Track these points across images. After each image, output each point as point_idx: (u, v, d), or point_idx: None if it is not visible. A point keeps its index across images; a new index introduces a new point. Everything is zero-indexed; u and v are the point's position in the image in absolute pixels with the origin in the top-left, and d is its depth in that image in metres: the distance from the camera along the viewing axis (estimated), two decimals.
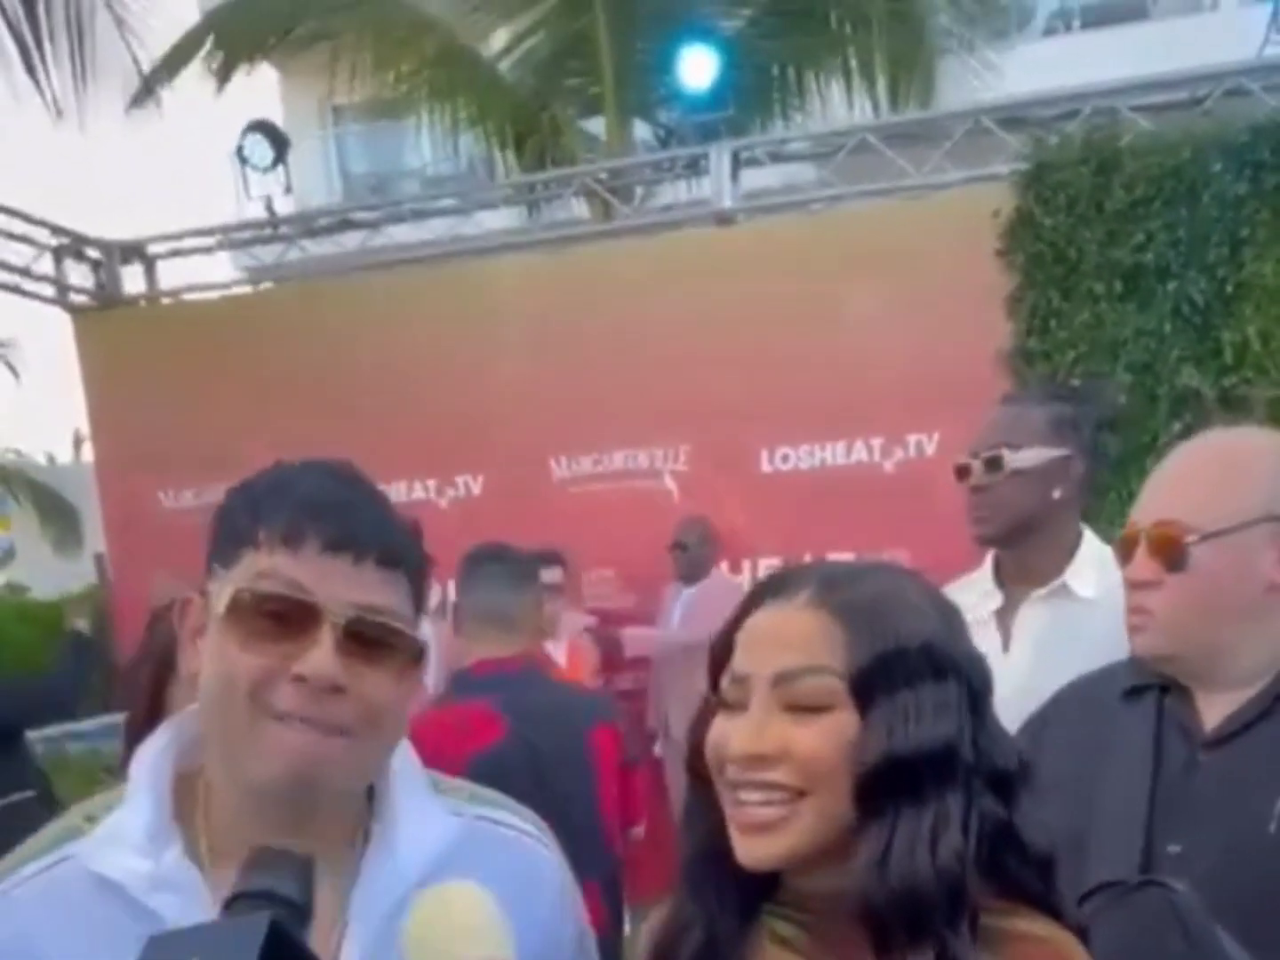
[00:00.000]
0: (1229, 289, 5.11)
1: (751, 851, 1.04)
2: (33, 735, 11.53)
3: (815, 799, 1.03)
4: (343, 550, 1.04)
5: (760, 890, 1.10)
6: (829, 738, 1.02)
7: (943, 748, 1.02)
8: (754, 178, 6.23)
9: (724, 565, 5.77)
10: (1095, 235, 5.22)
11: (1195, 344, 5.14)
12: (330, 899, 1.07)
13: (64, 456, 24.48)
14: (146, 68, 6.48)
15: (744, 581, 5.75)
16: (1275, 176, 5.01)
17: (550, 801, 2.45)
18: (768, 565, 5.76)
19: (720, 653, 1.11)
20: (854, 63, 7.83)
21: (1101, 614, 1.97)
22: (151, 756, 1.11)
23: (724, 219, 6.02)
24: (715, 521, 5.64)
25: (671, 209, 6.61)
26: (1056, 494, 2.33)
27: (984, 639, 2.25)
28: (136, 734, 1.63)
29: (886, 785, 1.01)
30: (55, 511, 16.01)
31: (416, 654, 1.09)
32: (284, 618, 1.02)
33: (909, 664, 1.03)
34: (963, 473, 2.41)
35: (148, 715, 1.88)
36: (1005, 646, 2.31)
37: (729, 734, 1.06)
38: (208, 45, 7.67)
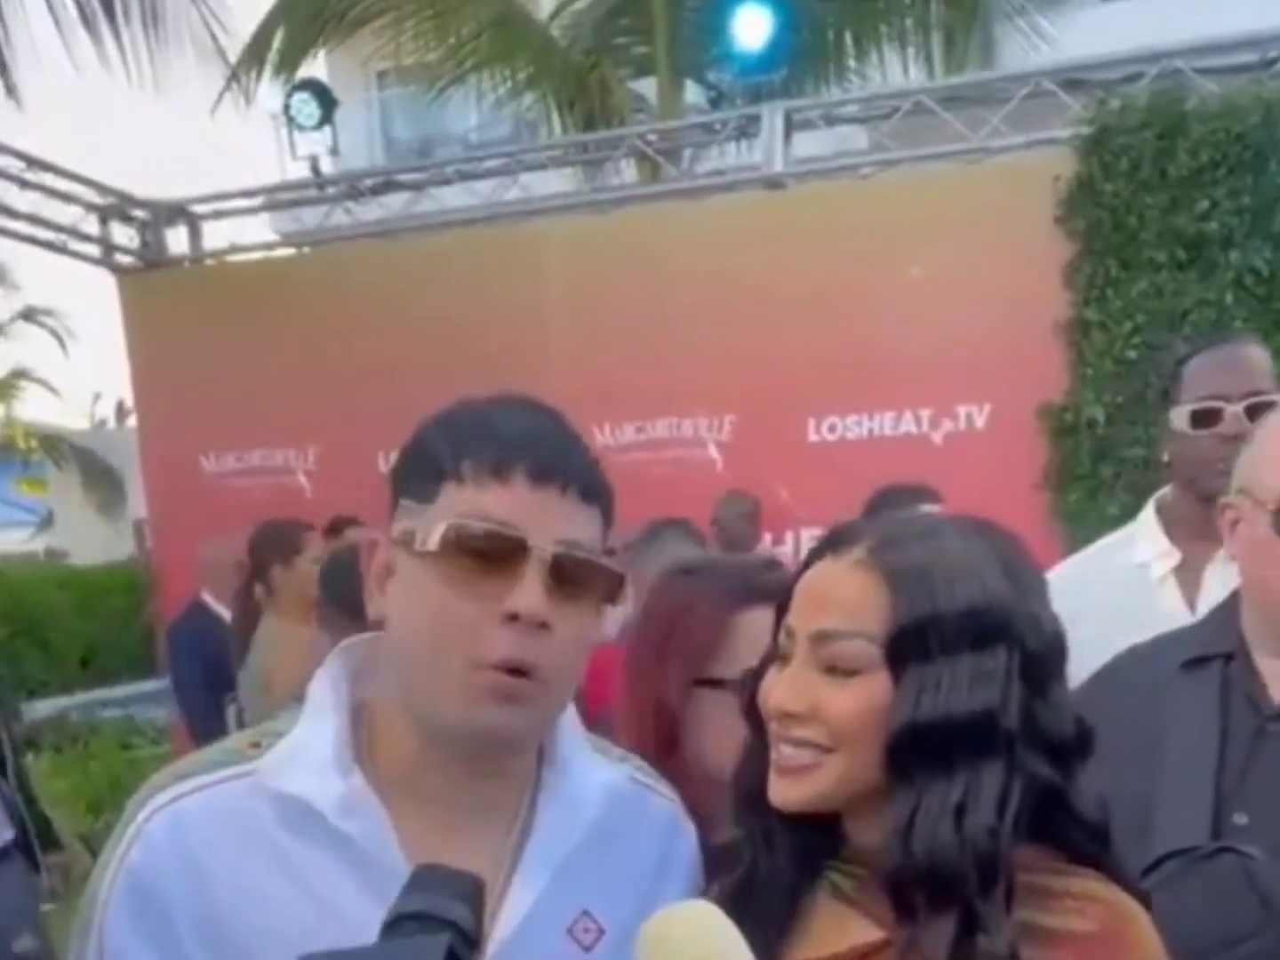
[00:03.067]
0: None
1: (779, 793, 1.07)
2: (67, 702, 11.74)
3: (843, 756, 1.03)
4: (550, 482, 1.01)
5: (823, 842, 1.10)
6: (859, 701, 1.02)
7: (979, 717, 1.00)
8: (806, 143, 6.11)
9: (768, 537, 5.69)
10: (1157, 202, 5.09)
11: (1258, 316, 5.01)
12: (499, 842, 1.08)
13: (109, 422, 24.76)
14: (220, 36, 6.47)
15: (789, 554, 5.69)
16: None
17: None
18: (812, 537, 5.65)
19: (782, 605, 1.11)
20: (909, 22, 7.67)
21: None
22: (329, 683, 1.09)
23: (774, 183, 5.91)
24: (759, 492, 5.55)
25: (722, 173, 6.50)
26: None
27: (1164, 598, 2.20)
28: None
29: (914, 752, 1.00)
30: (98, 477, 16.13)
31: (614, 590, 1.07)
32: (491, 555, 1.00)
33: (948, 632, 1.01)
34: (1209, 418, 2.17)
35: None
36: (1192, 606, 2.15)
37: (773, 686, 1.08)
38: (278, 39, 7.66)
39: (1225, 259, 5.02)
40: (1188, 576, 2.22)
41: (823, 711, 1.03)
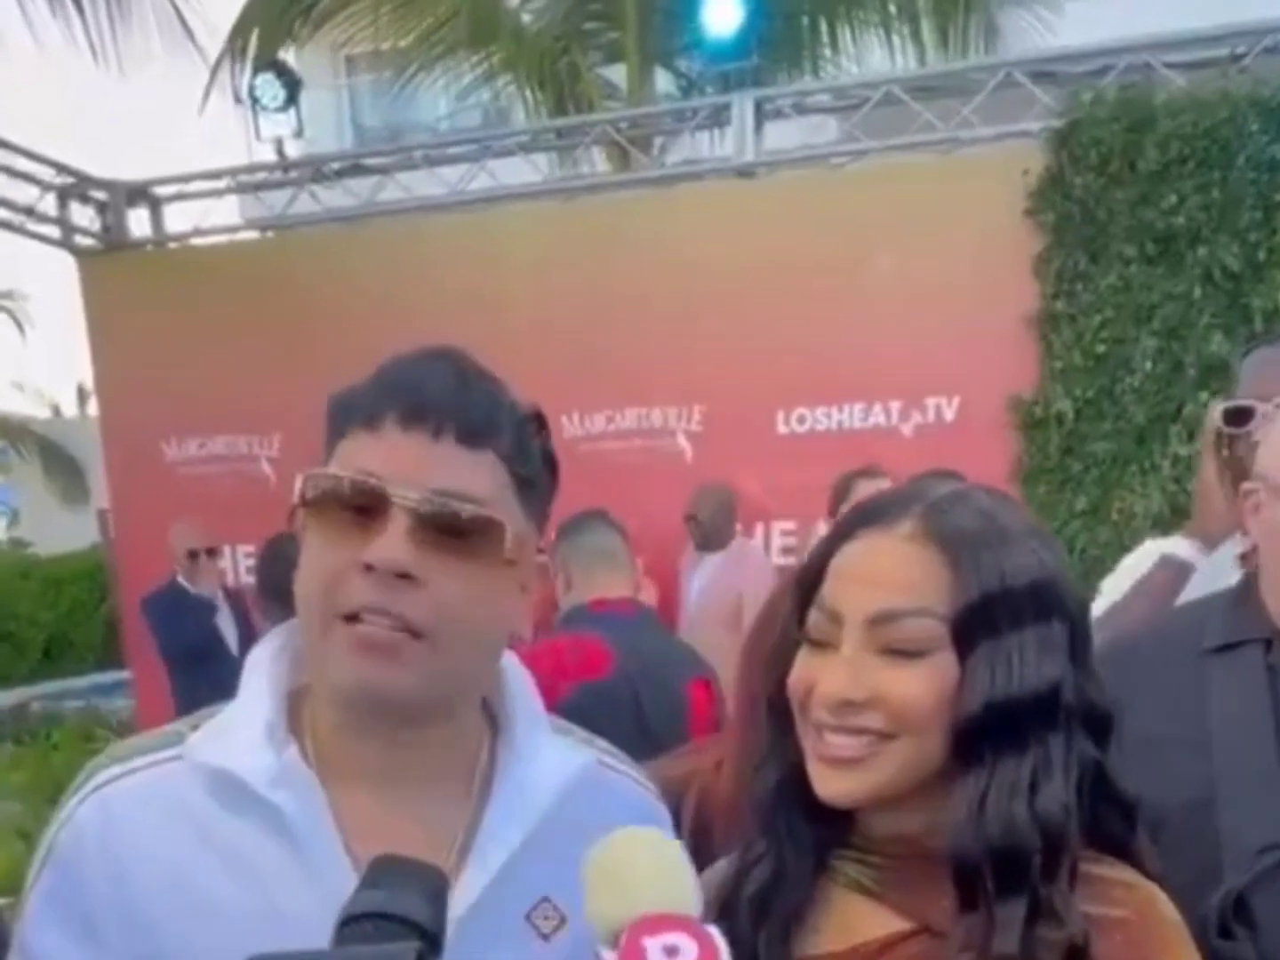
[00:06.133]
0: (1261, 255, 4.99)
1: (831, 786, 1.01)
2: (28, 692, 11.59)
3: (905, 742, 0.98)
4: (421, 426, 0.95)
5: (831, 833, 1.06)
6: (926, 684, 0.97)
7: (1047, 691, 0.97)
8: (777, 134, 6.08)
9: (738, 528, 5.67)
10: (1126, 196, 5.10)
11: (1225, 311, 5.04)
12: (448, 821, 1.04)
13: (70, 409, 24.49)
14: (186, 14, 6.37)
15: (758, 546, 5.68)
16: None
17: (644, 745, 2.41)
18: (782, 529, 5.68)
19: (809, 584, 1.04)
20: (893, 9, 7.64)
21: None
22: (265, 660, 1.06)
23: (745, 172, 5.88)
24: (728, 483, 5.53)
25: (692, 161, 6.46)
26: None
27: None
28: None
29: (987, 732, 0.96)
30: (60, 466, 15.95)
31: (503, 544, 0.98)
32: (354, 507, 0.95)
33: (1016, 605, 0.97)
34: (1242, 417, 2.09)
35: None
36: None
37: (818, 673, 1.01)
38: (254, 36, 7.58)
39: (1193, 254, 5.04)
40: None
41: (886, 697, 0.97)
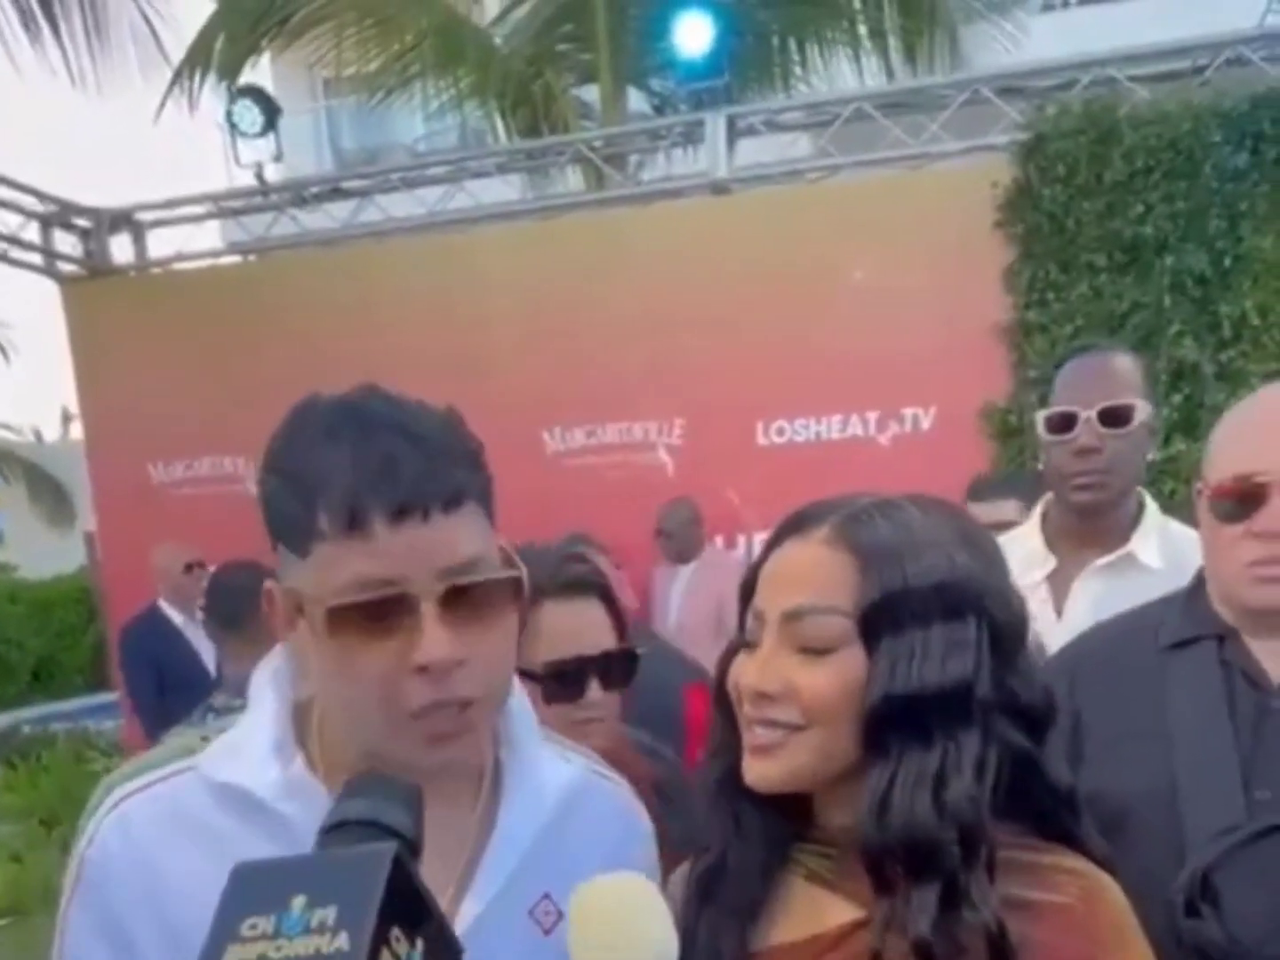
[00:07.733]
0: (1227, 262, 5.08)
1: (754, 772, 1.07)
2: (18, 715, 11.52)
3: (814, 733, 1.04)
4: (410, 516, 0.94)
5: (791, 826, 1.11)
6: (833, 678, 1.03)
7: (954, 687, 1.01)
8: (750, 150, 6.16)
9: (719, 540, 5.73)
10: (1094, 207, 5.19)
11: (1194, 317, 5.12)
12: (459, 826, 1.08)
13: (52, 434, 24.32)
14: (160, 34, 6.41)
15: (740, 555, 5.73)
16: (1275, 149, 4.98)
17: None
18: (762, 540, 5.71)
19: (747, 590, 1.12)
20: (863, 29, 7.73)
21: (1167, 585, 1.83)
22: (269, 676, 1.10)
23: (719, 188, 5.96)
24: (709, 496, 5.59)
25: (667, 179, 6.54)
26: (1151, 454, 2.19)
27: (1034, 605, 2.24)
28: None
29: (890, 725, 1.01)
30: (45, 490, 15.84)
31: (515, 590, 1.01)
32: (382, 614, 0.95)
33: (919, 604, 1.02)
34: (1064, 424, 2.16)
35: None
36: (1059, 613, 2.20)
37: (744, 669, 1.08)
38: (219, 43, 7.58)
39: (1161, 262, 5.13)
40: (1059, 585, 2.24)
41: (797, 690, 1.03)
